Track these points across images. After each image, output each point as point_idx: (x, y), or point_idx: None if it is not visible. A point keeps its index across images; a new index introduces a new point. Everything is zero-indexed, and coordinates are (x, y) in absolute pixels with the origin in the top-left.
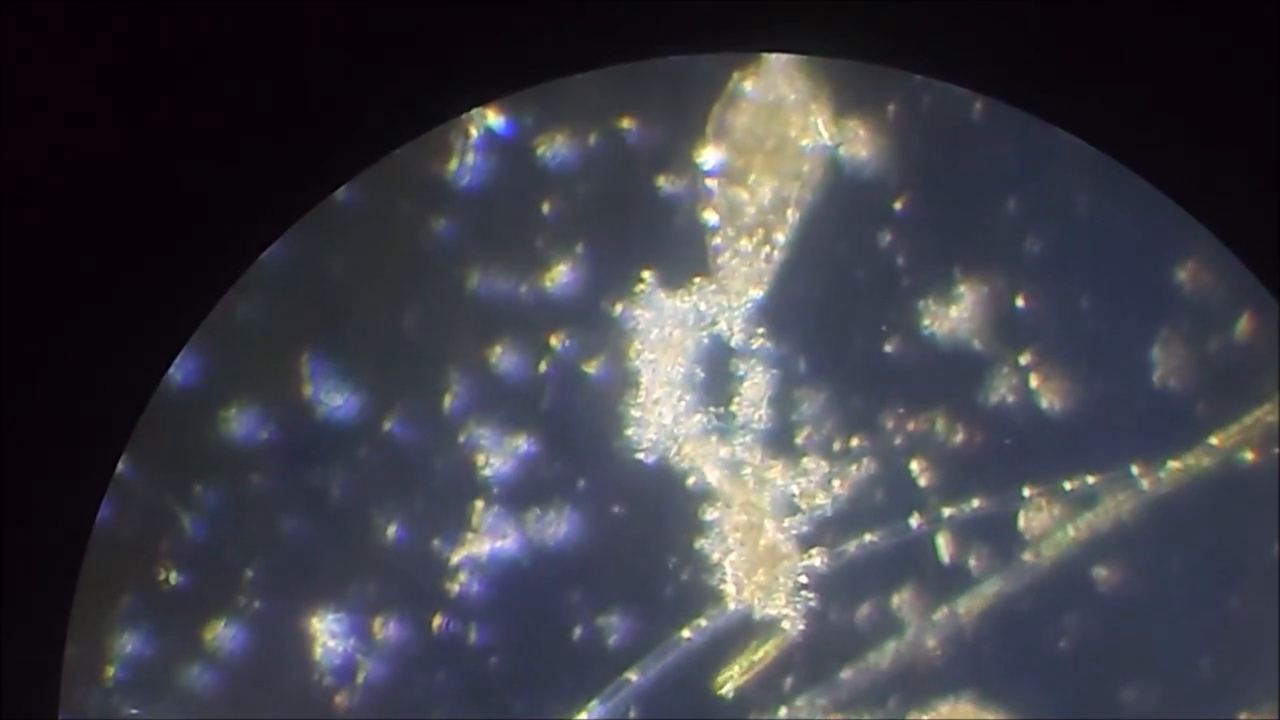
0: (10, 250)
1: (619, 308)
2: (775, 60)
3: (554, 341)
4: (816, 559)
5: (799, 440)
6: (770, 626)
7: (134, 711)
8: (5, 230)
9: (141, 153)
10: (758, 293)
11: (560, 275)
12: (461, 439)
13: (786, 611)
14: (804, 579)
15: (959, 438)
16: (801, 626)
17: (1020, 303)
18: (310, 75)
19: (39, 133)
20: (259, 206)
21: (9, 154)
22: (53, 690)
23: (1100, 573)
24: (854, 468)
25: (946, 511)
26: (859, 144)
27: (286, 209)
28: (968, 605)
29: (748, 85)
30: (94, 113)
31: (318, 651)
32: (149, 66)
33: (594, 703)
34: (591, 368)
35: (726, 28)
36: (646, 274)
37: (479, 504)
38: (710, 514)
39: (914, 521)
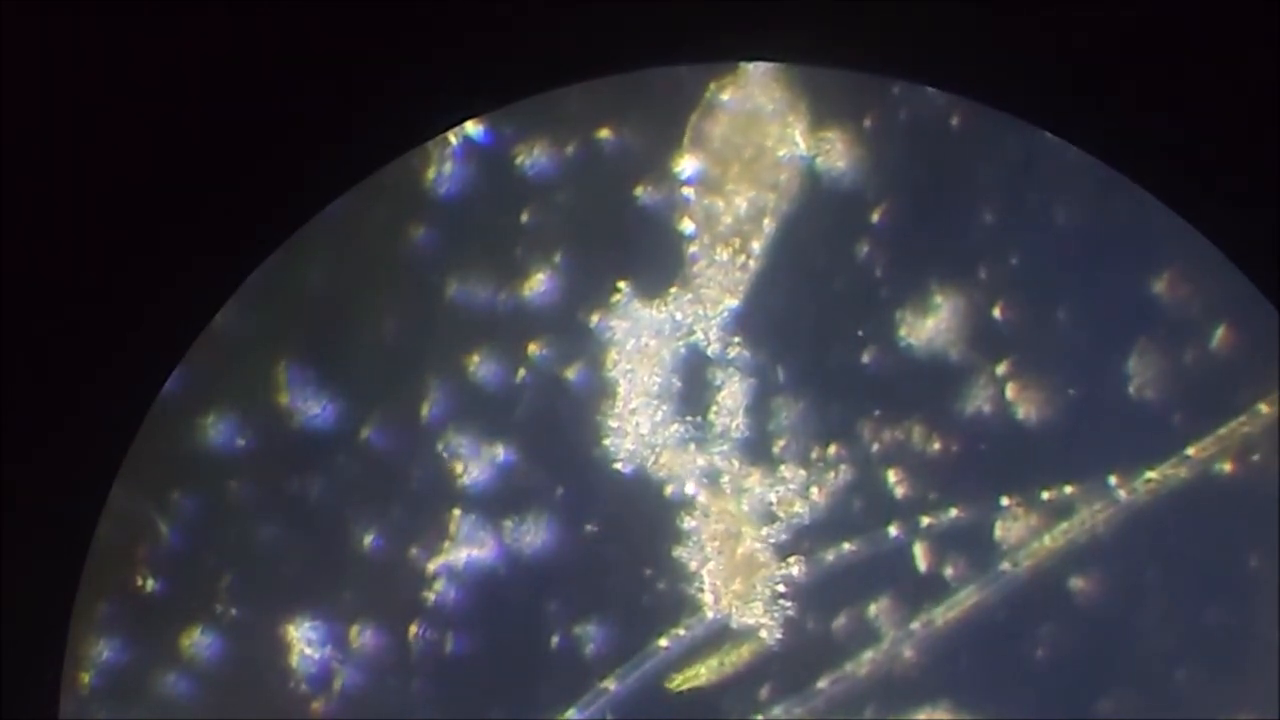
0: (9, 261)
1: (596, 317)
2: (753, 70)
3: (532, 350)
4: (794, 568)
5: (776, 449)
6: (747, 635)
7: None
8: (6, 244)
9: (135, 168)
10: (734, 302)
11: (538, 284)
12: (439, 447)
13: (764, 620)
14: (781, 588)
15: (936, 447)
16: (779, 635)
17: (997, 313)
18: (299, 93)
19: (36, 149)
20: (250, 223)
21: (9, 166)
22: (52, 694)
23: (1077, 583)
24: (831, 476)
25: (923, 521)
26: (836, 155)
27: (278, 225)
28: (945, 614)
29: (725, 95)
30: (85, 129)
31: (294, 659)
32: (142, 83)
33: (571, 711)
34: (569, 377)
35: (709, 38)
36: (623, 284)
37: (456, 512)
38: (688, 523)
39: (891, 530)
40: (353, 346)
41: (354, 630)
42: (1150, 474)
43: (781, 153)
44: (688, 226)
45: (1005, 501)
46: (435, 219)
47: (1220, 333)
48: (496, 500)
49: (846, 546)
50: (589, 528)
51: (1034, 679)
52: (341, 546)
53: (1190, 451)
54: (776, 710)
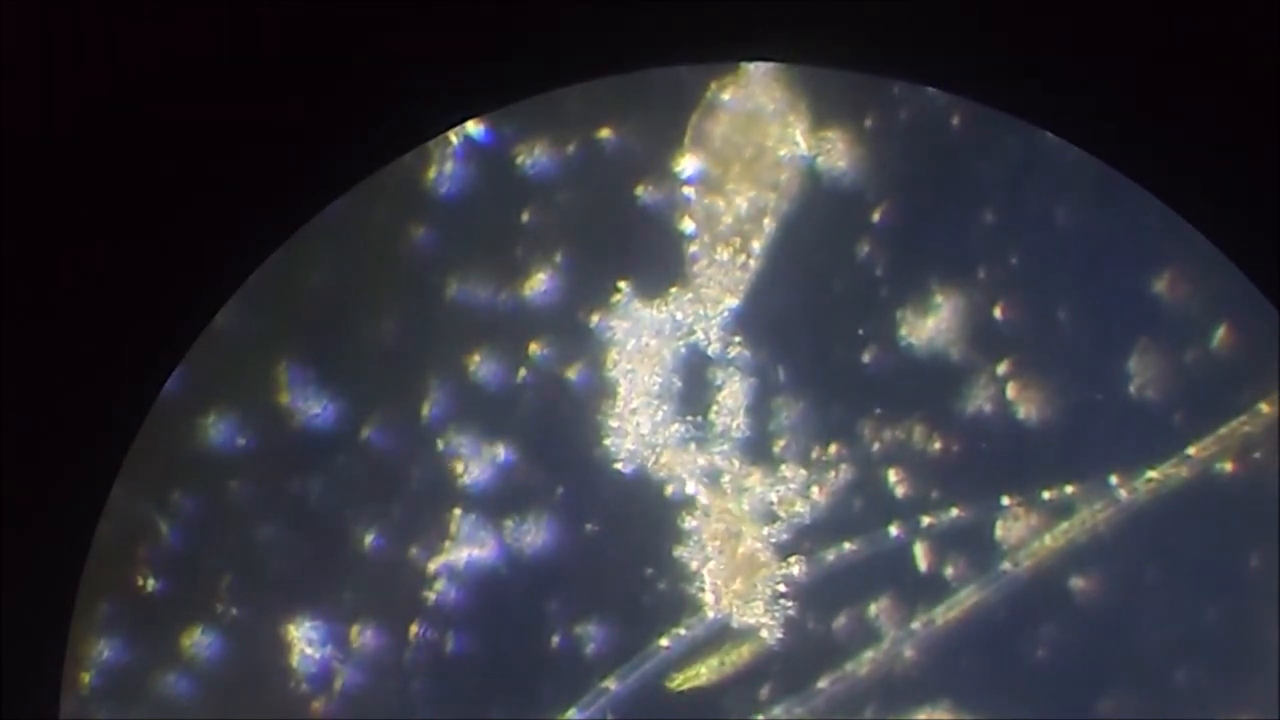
0: (9, 260)
1: (596, 317)
2: (754, 70)
3: (532, 350)
4: (794, 567)
5: (777, 448)
6: (748, 635)
7: None
8: (6, 245)
9: (135, 167)
10: (734, 301)
11: (539, 284)
12: (440, 447)
13: (764, 620)
14: (782, 587)
15: (936, 447)
16: (779, 635)
17: (998, 313)
18: (300, 93)
19: (36, 148)
20: (250, 223)
21: (8, 165)
22: (53, 694)
23: (1077, 583)
24: (832, 476)
25: (924, 520)
26: (837, 154)
27: (278, 225)
28: (945, 614)
29: (726, 95)
30: (85, 128)
31: (295, 659)
32: (142, 82)
33: (572, 711)
34: (570, 376)
35: (709, 38)
36: (623, 283)
37: (457, 512)
38: (688, 522)
39: (892, 530)
40: (353, 346)
41: (354, 630)
42: (1151, 474)
43: (782, 152)
44: (688, 226)
45: (1006, 501)
46: (435, 219)
47: (1220, 333)
48: (497, 500)
49: (847, 546)
50: (589, 527)
51: (1034, 679)
52: (342, 546)
53: (1191, 451)
54: (777, 710)
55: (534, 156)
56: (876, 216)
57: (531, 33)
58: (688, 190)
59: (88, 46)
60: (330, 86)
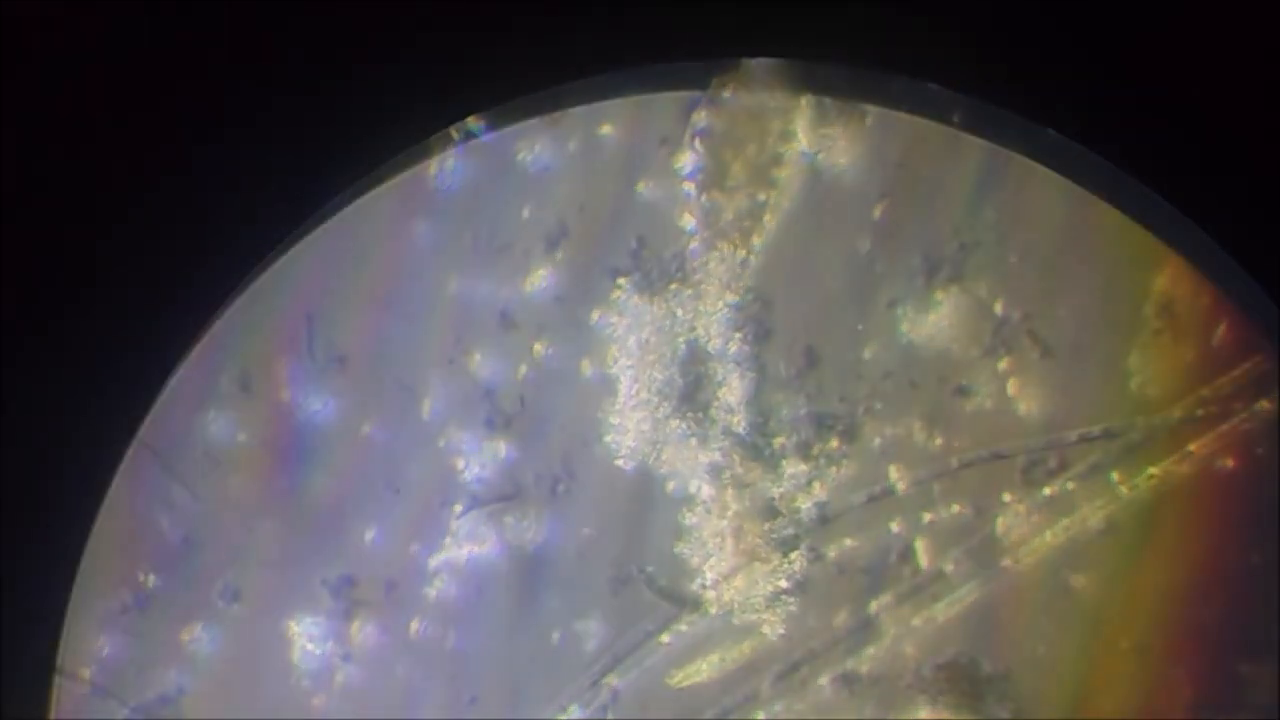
0: (11, 261)
1: (597, 313)
2: (755, 67)
3: (533, 346)
4: (795, 563)
5: (778, 445)
6: (749, 631)
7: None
8: (9, 244)
9: (136, 167)
10: (735, 297)
11: (539, 280)
12: (440, 443)
13: (765, 616)
14: (783, 583)
15: (937, 443)
16: (780, 631)
17: (999, 309)
18: (301, 91)
19: (37, 147)
20: (250, 223)
21: (10, 165)
22: (53, 690)
23: (1078, 579)
24: (833, 472)
25: (925, 516)
26: (838, 151)
27: (278, 225)
28: (946, 611)
29: (727, 92)
30: (86, 127)
31: (295, 655)
32: (143, 83)
33: (572, 707)
34: (570, 372)
35: (709, 37)
36: (624, 280)
37: (457, 508)
38: (689, 519)
39: (893, 526)
40: (354, 343)
41: (355, 626)
42: (1152, 470)
43: (783, 149)
44: (689, 222)
45: (1007, 498)
46: (437, 214)
47: (1220, 331)
48: (497, 497)
49: (848, 542)
50: (589, 524)
51: (1034, 678)
52: (342, 543)
53: (1192, 448)
54: (778, 707)
55: (535, 153)
56: (877, 213)
57: (532, 33)
58: (688, 186)
59: (88, 45)
60: (330, 86)
